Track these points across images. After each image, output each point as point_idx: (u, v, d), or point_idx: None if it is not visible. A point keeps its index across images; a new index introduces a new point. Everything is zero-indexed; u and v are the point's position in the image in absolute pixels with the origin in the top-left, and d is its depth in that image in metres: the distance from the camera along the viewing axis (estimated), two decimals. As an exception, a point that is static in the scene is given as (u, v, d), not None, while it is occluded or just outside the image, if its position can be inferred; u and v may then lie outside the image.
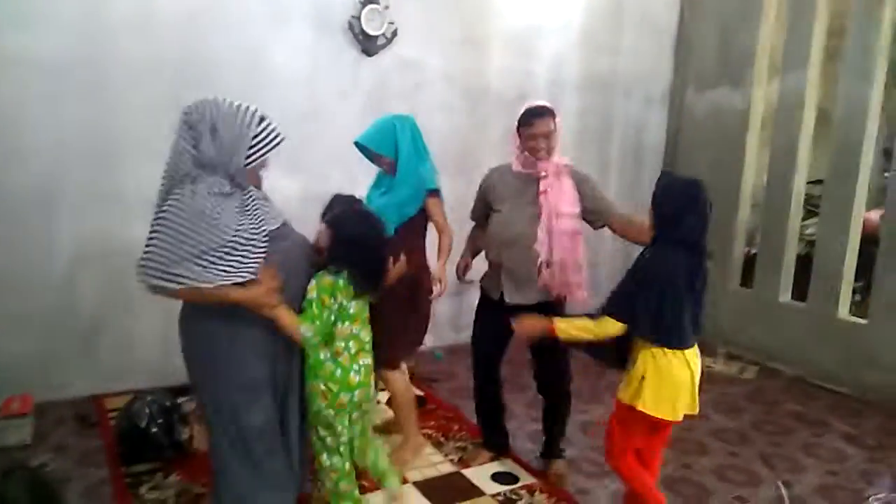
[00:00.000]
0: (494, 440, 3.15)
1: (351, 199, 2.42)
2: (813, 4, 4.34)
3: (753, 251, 5.05)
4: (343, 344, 2.16)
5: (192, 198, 1.87)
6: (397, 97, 4.24)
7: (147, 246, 1.87)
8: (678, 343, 2.18)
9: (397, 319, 2.78)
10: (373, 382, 2.29)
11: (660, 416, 2.20)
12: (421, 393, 3.85)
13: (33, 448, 3.07)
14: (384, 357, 2.82)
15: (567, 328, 2.32)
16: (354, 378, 2.18)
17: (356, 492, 2.33)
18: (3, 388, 3.32)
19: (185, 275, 1.85)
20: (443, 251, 2.83)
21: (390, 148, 2.79)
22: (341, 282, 2.11)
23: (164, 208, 1.88)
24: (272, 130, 1.95)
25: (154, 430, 2.91)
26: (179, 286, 1.85)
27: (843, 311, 4.33)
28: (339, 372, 2.15)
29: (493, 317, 2.90)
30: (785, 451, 3.41)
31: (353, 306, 2.17)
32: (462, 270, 3.12)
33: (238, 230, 1.90)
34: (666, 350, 2.18)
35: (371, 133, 2.83)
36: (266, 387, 2.05)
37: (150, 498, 2.70)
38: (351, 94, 4.11)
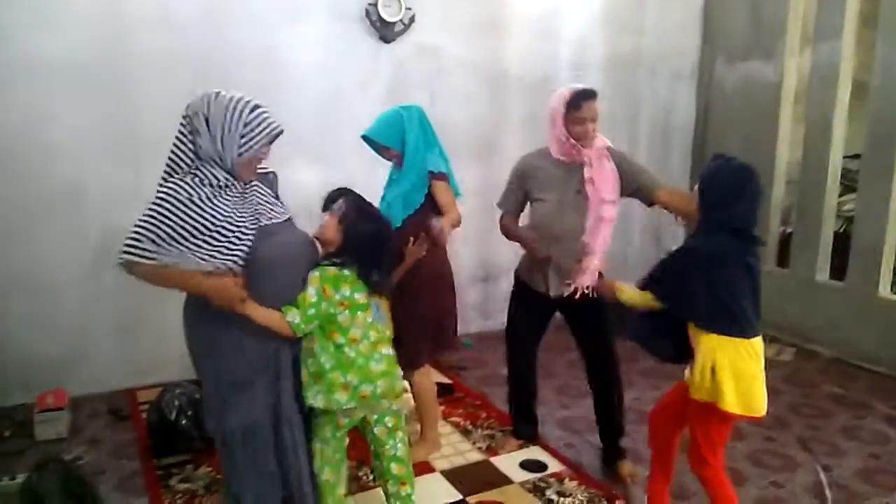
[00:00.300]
0: (524, 427, 3.12)
1: (350, 193, 2.40)
2: (846, -31, 4.17)
3: (789, 229, 4.91)
4: (360, 332, 2.07)
5: (182, 185, 1.87)
6: (417, 84, 4.20)
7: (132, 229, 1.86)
8: (739, 331, 2.06)
9: (416, 316, 2.70)
10: (399, 374, 2.20)
11: (743, 413, 2.06)
12: (449, 381, 3.83)
13: (69, 441, 3.14)
14: (405, 355, 2.71)
15: (623, 292, 2.27)
16: (376, 367, 2.09)
17: (339, 490, 2.23)
18: (40, 384, 3.40)
19: (157, 252, 1.82)
20: (448, 219, 2.64)
21: (397, 140, 2.70)
22: (347, 272, 2.05)
23: (156, 195, 1.87)
24: (264, 120, 1.91)
25: (183, 422, 2.94)
26: (149, 262, 1.82)
27: (884, 289, 4.17)
28: (359, 361, 2.05)
29: (533, 306, 2.85)
30: (824, 435, 3.31)
31: (364, 296, 2.08)
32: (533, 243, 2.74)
33: (225, 218, 1.88)
34: (734, 339, 2.06)
35: (377, 125, 2.75)
36: (250, 389, 1.98)
37: (181, 489, 2.73)
38: (370, 82, 4.08)
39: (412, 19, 4.06)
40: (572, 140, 2.60)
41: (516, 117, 4.53)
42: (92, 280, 3.58)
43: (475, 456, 3.03)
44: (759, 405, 2.08)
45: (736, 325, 2.05)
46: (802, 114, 4.71)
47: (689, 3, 5.10)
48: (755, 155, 4.79)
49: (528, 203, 2.82)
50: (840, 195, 4.57)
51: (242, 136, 1.87)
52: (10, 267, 3.41)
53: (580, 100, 2.57)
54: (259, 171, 2.07)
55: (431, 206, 2.71)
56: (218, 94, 1.90)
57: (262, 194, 2.05)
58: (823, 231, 4.48)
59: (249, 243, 1.91)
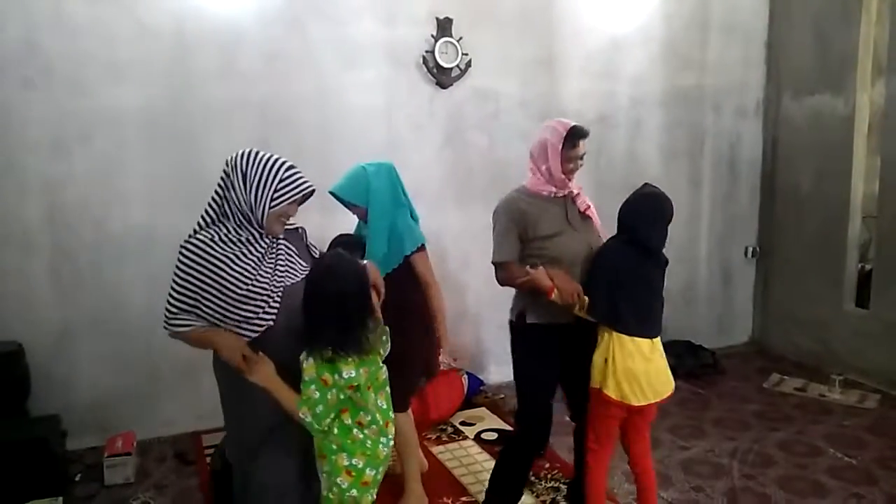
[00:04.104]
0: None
1: (345, 242, 2.40)
2: (920, -4, 4.00)
3: (868, 267, 4.65)
4: (370, 417, 1.90)
5: (208, 245, 1.95)
6: (474, 127, 4.23)
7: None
8: (627, 330, 2.35)
9: (401, 360, 2.56)
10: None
11: (621, 400, 2.36)
12: (509, 428, 3.74)
13: (136, 486, 3.20)
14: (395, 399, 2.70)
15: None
16: (383, 451, 1.94)
17: None
18: (110, 426, 3.51)
19: (194, 320, 1.95)
20: (438, 311, 2.69)
21: (362, 196, 2.69)
22: (342, 353, 1.83)
23: (182, 254, 1.95)
24: (298, 178, 1.99)
25: (246, 469, 2.94)
26: (189, 329, 1.96)
27: (979, 330, 3.88)
28: (368, 443, 1.90)
29: (547, 349, 2.56)
30: (918, 492, 3.06)
31: (364, 374, 1.85)
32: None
33: (251, 281, 1.93)
34: (622, 337, 2.36)
35: (342, 181, 2.73)
36: (277, 442, 1.96)
37: (243, 538, 2.72)
38: (427, 126, 4.13)
39: (469, 64, 4.10)
40: (560, 174, 2.49)
41: (575, 156, 4.49)
42: (160, 323, 3.66)
43: (539, 509, 2.93)
44: (636, 397, 2.36)
45: (625, 324, 2.35)
46: (876, 146, 4.50)
47: (752, 39, 4.98)
48: (828, 189, 4.62)
49: (526, 245, 2.54)
50: (923, 230, 4.31)
51: (276, 191, 1.95)
52: (82, 309, 3.55)
53: (577, 137, 2.50)
54: (287, 227, 2.13)
55: (406, 272, 2.71)
56: (257, 152, 2.00)
57: (289, 251, 2.08)
58: (906, 268, 4.23)
59: (277, 306, 1.95)
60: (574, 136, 2.48)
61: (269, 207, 1.95)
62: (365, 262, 2.33)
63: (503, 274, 2.55)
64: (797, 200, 4.89)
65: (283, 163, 1.98)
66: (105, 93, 3.46)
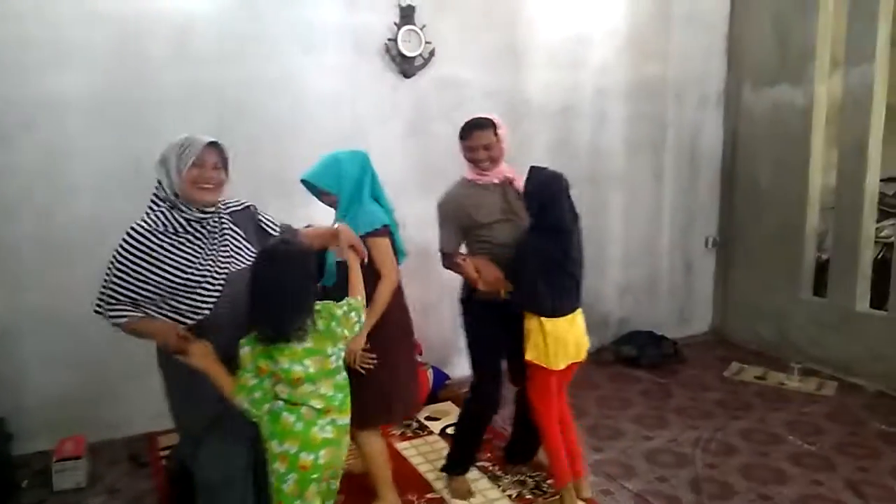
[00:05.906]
0: (467, 465, 3.05)
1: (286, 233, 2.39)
2: (876, -10, 4.05)
3: (825, 257, 4.74)
4: (301, 400, 1.89)
5: (148, 235, 1.97)
6: (437, 117, 4.15)
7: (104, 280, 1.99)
8: (542, 312, 2.61)
9: (363, 374, 2.51)
10: (347, 445, 2.01)
11: (550, 367, 2.65)
12: (475, 421, 3.70)
13: (87, 491, 3.07)
14: (363, 415, 2.52)
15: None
16: (318, 434, 1.87)
17: None
18: (59, 428, 3.35)
19: (125, 312, 1.95)
20: (374, 308, 2.47)
21: (333, 183, 2.60)
22: (283, 344, 1.85)
23: (122, 244, 1.97)
24: (195, 139, 2.03)
25: (203, 471, 2.85)
26: (125, 320, 1.96)
27: (930, 318, 3.98)
28: (298, 425, 1.86)
29: (496, 320, 2.79)
30: (875, 477, 3.12)
31: (312, 365, 1.87)
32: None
33: (190, 270, 1.95)
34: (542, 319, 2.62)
35: (314, 168, 2.65)
36: (215, 439, 1.98)
37: (200, 543, 2.63)
38: (390, 116, 4.04)
39: (432, 53, 4.02)
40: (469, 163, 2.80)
41: (540, 146, 4.46)
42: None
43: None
44: (563, 361, 2.67)
45: (543, 308, 2.61)
46: (834, 138, 4.57)
47: (714, 29, 5.01)
48: (787, 180, 4.69)
49: (469, 233, 2.82)
50: (877, 220, 4.40)
51: (179, 158, 2.00)
52: (27, 306, 3.38)
53: (469, 129, 2.75)
54: (235, 207, 2.17)
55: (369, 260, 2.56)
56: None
57: (236, 236, 2.09)
58: (862, 258, 4.31)
59: (217, 291, 1.97)
60: (465, 128, 2.76)
61: (178, 173, 1.98)
62: (338, 223, 2.40)
63: (446, 262, 2.87)
64: (756, 191, 4.95)
65: (186, 135, 2.06)
66: (49, 79, 3.28)
